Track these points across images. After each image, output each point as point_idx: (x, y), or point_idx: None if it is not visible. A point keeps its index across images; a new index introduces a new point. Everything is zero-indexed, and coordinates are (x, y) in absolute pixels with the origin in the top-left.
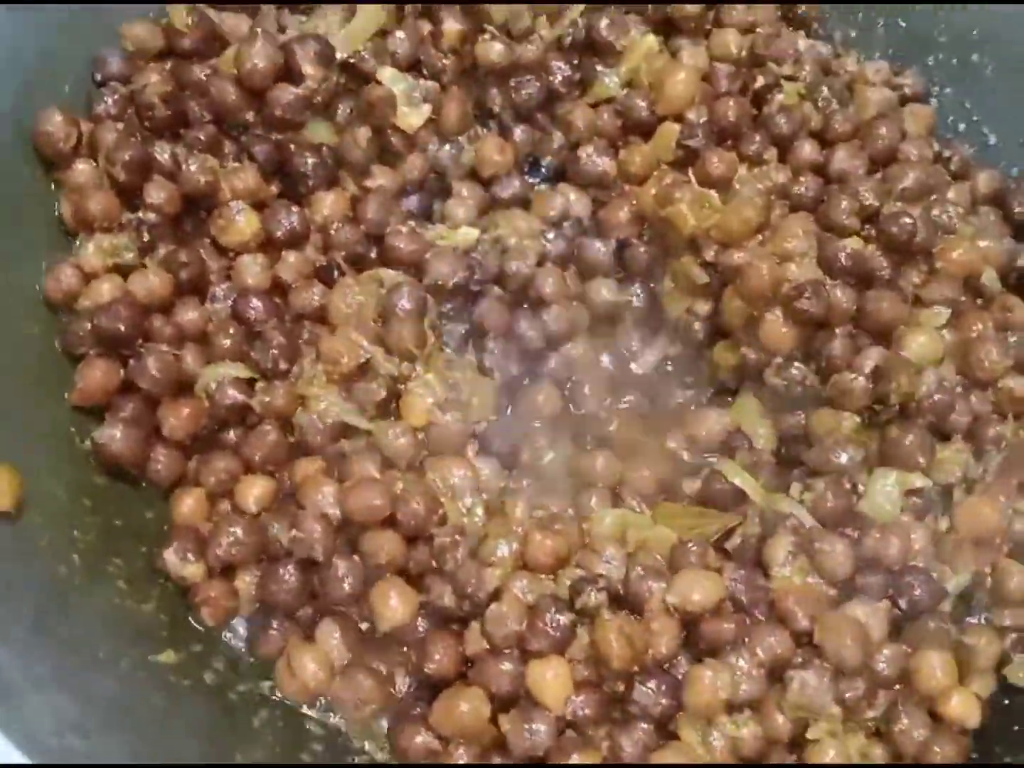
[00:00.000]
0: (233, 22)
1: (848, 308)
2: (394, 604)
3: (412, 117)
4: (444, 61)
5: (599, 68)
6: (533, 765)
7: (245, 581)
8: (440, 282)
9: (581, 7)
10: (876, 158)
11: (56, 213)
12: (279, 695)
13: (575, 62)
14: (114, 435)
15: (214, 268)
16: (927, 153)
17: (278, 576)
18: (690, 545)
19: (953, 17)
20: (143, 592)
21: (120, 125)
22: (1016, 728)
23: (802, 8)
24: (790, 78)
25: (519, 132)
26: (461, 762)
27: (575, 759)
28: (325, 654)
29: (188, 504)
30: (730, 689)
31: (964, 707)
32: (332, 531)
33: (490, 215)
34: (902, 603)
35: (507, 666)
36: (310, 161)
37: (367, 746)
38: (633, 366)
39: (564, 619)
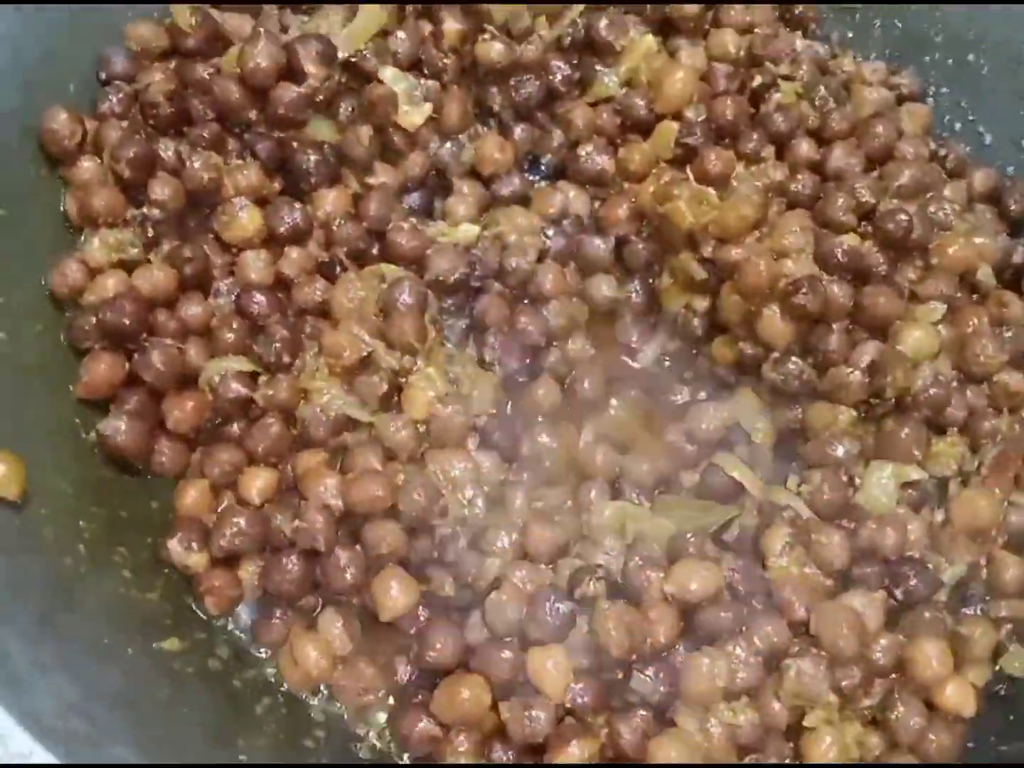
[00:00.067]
0: (236, 22)
1: (845, 303)
2: (395, 594)
3: (413, 115)
4: (445, 60)
5: (598, 67)
6: (533, 765)
7: (248, 571)
8: (441, 278)
9: (580, 7)
10: (873, 156)
11: (61, 209)
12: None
13: (574, 61)
14: (119, 427)
15: (217, 264)
16: (923, 151)
17: (281, 566)
18: (688, 536)
19: (949, 17)
20: (148, 581)
21: (124, 123)
22: (1011, 717)
23: (799, 9)
24: (787, 78)
25: (519, 130)
26: (461, 749)
27: (574, 746)
28: (327, 643)
29: (192, 495)
30: (727, 677)
31: (959, 696)
32: (334, 522)
33: (490, 212)
34: (898, 593)
35: (507, 654)
36: (312, 158)
37: (369, 733)
38: (632, 361)
39: (563, 608)
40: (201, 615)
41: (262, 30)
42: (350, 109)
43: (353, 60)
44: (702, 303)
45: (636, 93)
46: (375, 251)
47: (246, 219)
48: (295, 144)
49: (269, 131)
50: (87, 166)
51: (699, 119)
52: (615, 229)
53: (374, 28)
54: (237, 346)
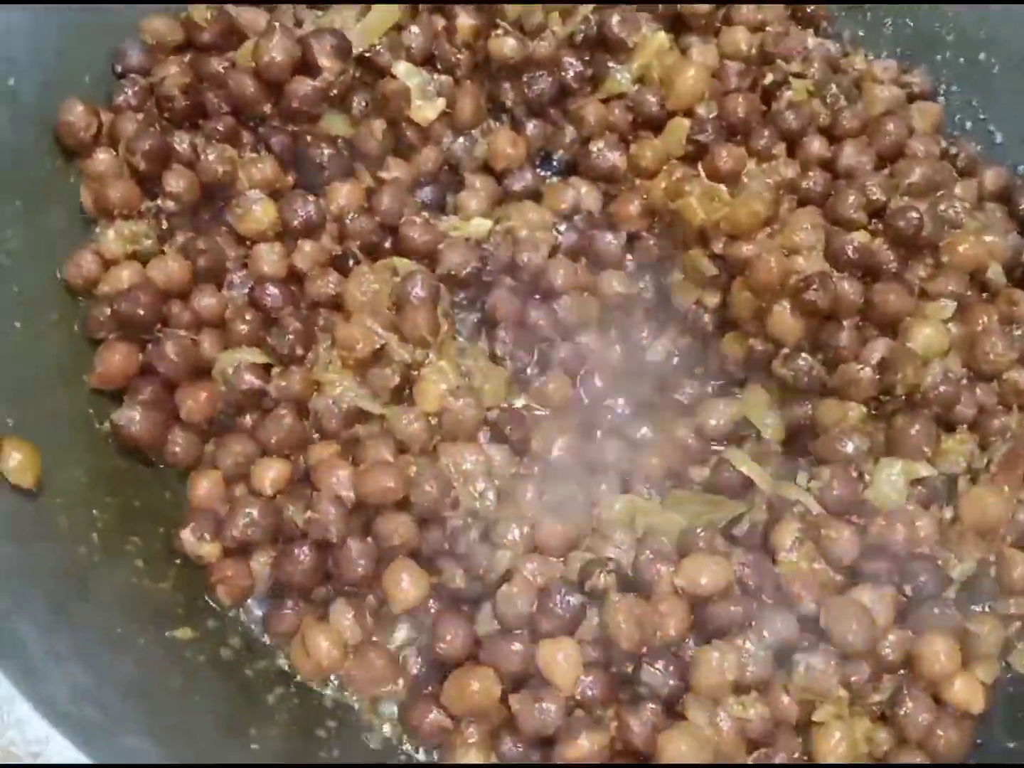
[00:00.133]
0: (251, 16)
1: (855, 300)
2: (406, 586)
3: (426, 110)
4: (458, 56)
5: (610, 64)
6: (542, 765)
7: (260, 561)
8: (453, 272)
9: (592, 4)
10: (884, 154)
11: (77, 201)
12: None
13: (587, 58)
14: (133, 417)
15: (231, 256)
16: (934, 150)
17: (293, 557)
18: (698, 530)
19: (960, 16)
20: (160, 571)
21: (140, 116)
22: (1020, 715)
23: (811, 7)
24: (799, 75)
25: (531, 126)
26: (471, 740)
27: (583, 739)
28: (338, 633)
29: (205, 486)
30: (737, 671)
31: (968, 692)
32: (346, 513)
33: (502, 207)
34: (907, 589)
35: (518, 646)
36: (326, 152)
37: (380, 724)
38: (643, 356)
39: (574, 601)
40: (213, 605)
41: (277, 24)
42: (364, 103)
43: (367, 55)
44: (713, 299)
45: (648, 90)
46: (388, 245)
47: (260, 212)
48: (309, 138)
49: (283, 125)
50: (102, 158)
51: (711, 116)
52: (626, 225)
53: (388, 23)
54: (250, 338)
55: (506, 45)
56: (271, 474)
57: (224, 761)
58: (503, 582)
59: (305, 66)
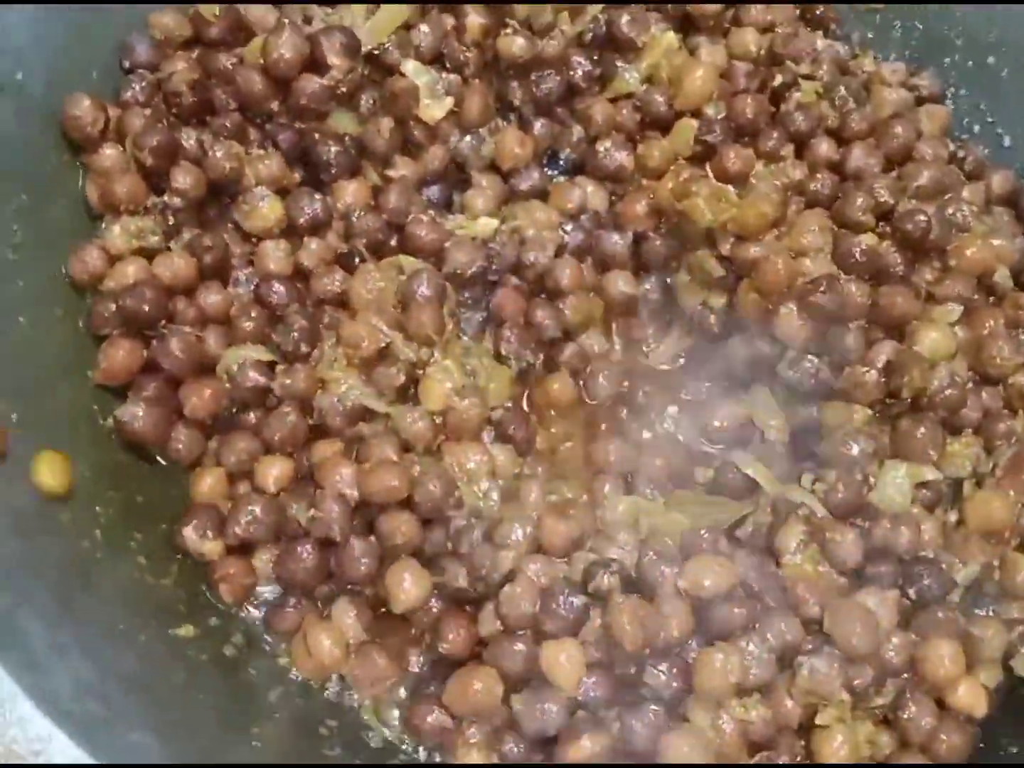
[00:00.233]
0: (259, 12)
1: (862, 303)
2: (408, 586)
3: (434, 109)
4: (467, 55)
5: (619, 64)
6: (545, 765)
7: (262, 559)
8: (459, 271)
9: (602, 4)
10: (892, 157)
11: (82, 196)
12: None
13: (595, 57)
14: (136, 413)
15: (237, 253)
16: (942, 153)
17: (296, 555)
18: (702, 532)
19: (969, 19)
20: (162, 568)
21: (147, 111)
22: (1022, 719)
23: (820, 8)
24: (808, 77)
25: (539, 125)
26: (473, 740)
27: (586, 740)
28: (340, 632)
29: (208, 483)
30: (740, 673)
31: (971, 696)
32: (350, 511)
33: (509, 206)
34: (911, 592)
35: (520, 647)
36: (333, 150)
37: (381, 723)
38: (648, 357)
39: (577, 601)
40: (215, 602)
41: (286, 21)
42: (372, 101)
43: (376, 53)
44: (719, 300)
45: (656, 90)
46: (394, 243)
47: (266, 209)
48: (316, 135)
49: (291, 122)
50: (109, 153)
51: (719, 117)
52: (633, 225)
53: (397, 21)
54: (255, 335)
55: (515, 44)
56: (275, 472)
57: (226, 757)
58: (506, 582)
59: (314, 63)
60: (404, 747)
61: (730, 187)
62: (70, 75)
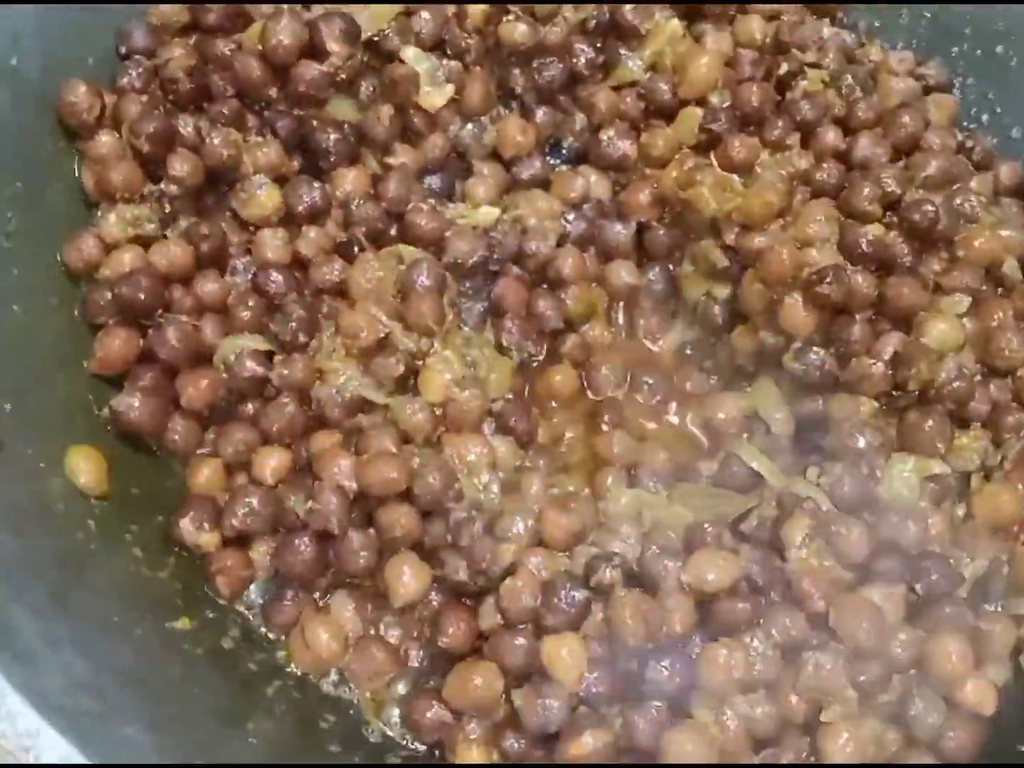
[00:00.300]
0: None
1: (868, 294)
2: (407, 580)
3: (435, 96)
4: (468, 41)
5: (622, 51)
6: (545, 765)
7: (260, 551)
8: (459, 260)
9: None
10: (899, 146)
11: (78, 183)
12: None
13: (599, 45)
14: (132, 403)
15: (234, 241)
16: (950, 143)
17: (293, 547)
18: (706, 526)
19: (978, 8)
20: (158, 560)
21: (144, 97)
22: None
23: None
24: (814, 65)
25: (541, 113)
26: (473, 736)
27: (588, 736)
28: (339, 626)
29: (205, 474)
30: (744, 669)
31: (979, 693)
32: (348, 504)
33: (510, 195)
34: (919, 588)
35: (521, 641)
36: (332, 137)
37: (380, 718)
38: (651, 349)
39: (579, 595)
40: (212, 595)
41: (285, 7)
42: (371, 88)
43: (376, 39)
44: (723, 291)
45: (660, 78)
46: (394, 232)
47: (264, 197)
48: (315, 122)
49: (289, 109)
50: (105, 140)
51: (724, 105)
52: (636, 215)
53: (398, 7)
54: (253, 324)
55: (517, 31)
56: (272, 463)
57: (222, 752)
58: (507, 576)
59: (313, 50)
60: (404, 743)
61: (735, 176)
62: (66, 61)
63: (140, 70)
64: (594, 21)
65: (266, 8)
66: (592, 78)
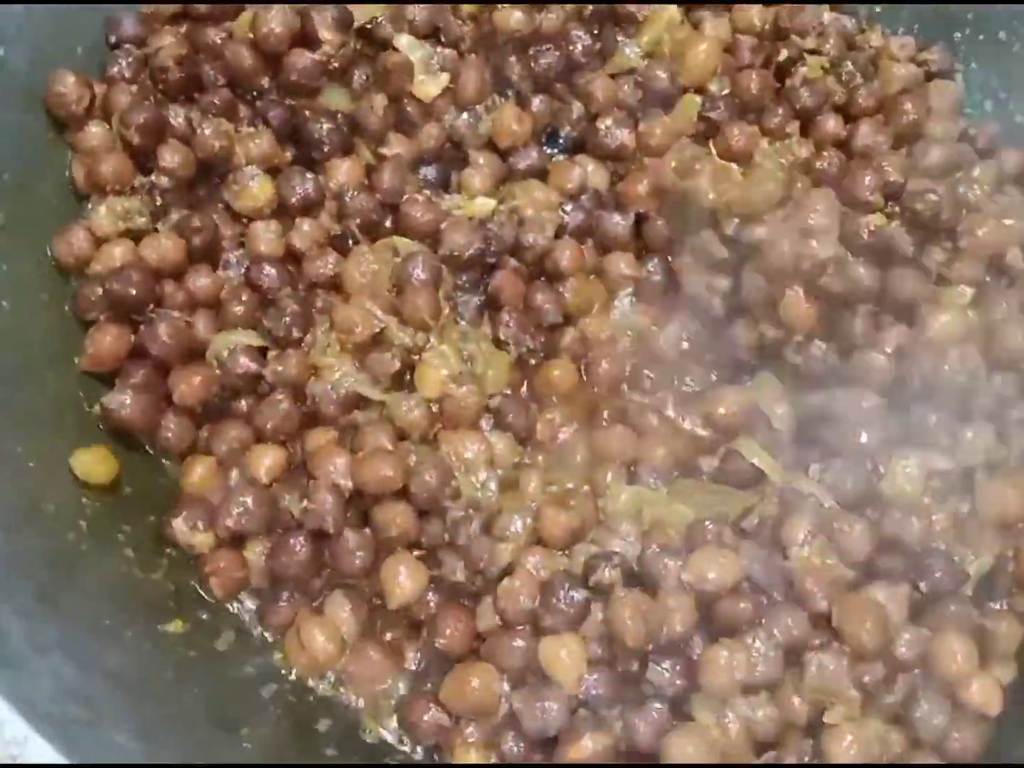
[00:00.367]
0: None
1: (871, 286)
2: (403, 580)
3: (429, 86)
4: (463, 29)
5: (620, 38)
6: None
7: (255, 552)
8: (455, 252)
9: None
10: (900, 134)
11: (67, 176)
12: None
13: (596, 32)
14: (124, 401)
15: (227, 234)
16: (952, 130)
17: (288, 547)
18: (707, 524)
19: None
20: (151, 561)
21: (134, 88)
22: None
23: None
24: (814, 51)
25: (537, 102)
26: (471, 739)
27: (587, 739)
28: (335, 627)
29: (198, 472)
30: (746, 670)
31: (985, 693)
32: (344, 502)
33: (507, 186)
34: (923, 586)
35: (519, 643)
36: (325, 127)
37: (376, 721)
38: (650, 342)
39: (578, 596)
40: (205, 597)
41: None
42: (365, 77)
43: (369, 27)
44: (723, 283)
45: (658, 65)
46: (388, 224)
47: (257, 188)
48: (308, 112)
49: (282, 99)
50: (95, 131)
51: (723, 93)
52: (635, 205)
53: None
54: (246, 320)
55: (512, 18)
56: (267, 461)
57: (216, 757)
58: (505, 575)
59: (305, 38)
60: (401, 746)
61: (734, 165)
62: (54, 51)
63: (130, 59)
64: (590, 7)
65: None
66: (589, 66)
